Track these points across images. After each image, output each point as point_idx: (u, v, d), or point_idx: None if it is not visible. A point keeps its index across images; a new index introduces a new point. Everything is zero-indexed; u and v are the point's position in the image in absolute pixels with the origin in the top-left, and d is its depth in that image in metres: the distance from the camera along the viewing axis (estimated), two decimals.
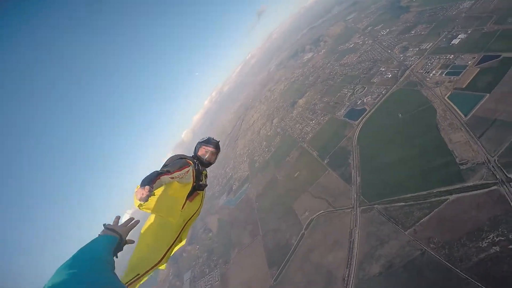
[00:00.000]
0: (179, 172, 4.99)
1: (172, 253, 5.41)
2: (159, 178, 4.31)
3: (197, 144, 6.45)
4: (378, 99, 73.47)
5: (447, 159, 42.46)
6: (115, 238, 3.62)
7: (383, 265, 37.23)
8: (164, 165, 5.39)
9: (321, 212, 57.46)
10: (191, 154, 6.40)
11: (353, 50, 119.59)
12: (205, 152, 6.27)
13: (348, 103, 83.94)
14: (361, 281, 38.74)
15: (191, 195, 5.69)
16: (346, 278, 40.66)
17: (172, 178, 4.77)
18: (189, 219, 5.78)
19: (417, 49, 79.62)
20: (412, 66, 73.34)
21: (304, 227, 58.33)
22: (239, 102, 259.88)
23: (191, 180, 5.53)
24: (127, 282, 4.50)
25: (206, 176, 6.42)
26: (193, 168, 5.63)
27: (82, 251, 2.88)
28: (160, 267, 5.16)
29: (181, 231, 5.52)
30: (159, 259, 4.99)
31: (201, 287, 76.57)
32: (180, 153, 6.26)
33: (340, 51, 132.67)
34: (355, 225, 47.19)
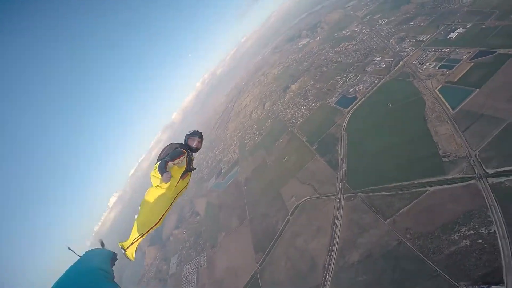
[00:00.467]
0: (178, 159, 7.58)
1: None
2: (167, 165, 7.05)
3: (185, 136, 8.67)
4: (370, 88, 74.19)
5: (431, 151, 43.99)
6: (110, 252, 4.12)
7: (362, 254, 39.40)
8: (164, 152, 8.00)
9: (307, 198, 59.33)
10: (180, 134, 10.57)
11: (350, 38, 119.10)
12: (195, 142, 8.57)
13: (340, 91, 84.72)
14: (341, 269, 40.97)
15: (183, 175, 7.85)
16: (326, 265, 42.83)
17: (173, 163, 7.39)
18: (179, 192, 7.95)
19: (414, 40, 79.83)
20: (407, 57, 73.79)
21: (290, 212, 60.29)
22: (232, 85, 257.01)
23: (185, 164, 7.89)
24: (134, 239, 6.91)
25: (192, 160, 8.65)
26: (187, 156, 8.05)
27: (82, 262, 3.30)
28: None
29: (174, 199, 7.68)
30: (157, 221, 7.10)
31: (187, 270, 78.74)
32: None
33: (336, 38, 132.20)
34: (339, 212, 49.08)
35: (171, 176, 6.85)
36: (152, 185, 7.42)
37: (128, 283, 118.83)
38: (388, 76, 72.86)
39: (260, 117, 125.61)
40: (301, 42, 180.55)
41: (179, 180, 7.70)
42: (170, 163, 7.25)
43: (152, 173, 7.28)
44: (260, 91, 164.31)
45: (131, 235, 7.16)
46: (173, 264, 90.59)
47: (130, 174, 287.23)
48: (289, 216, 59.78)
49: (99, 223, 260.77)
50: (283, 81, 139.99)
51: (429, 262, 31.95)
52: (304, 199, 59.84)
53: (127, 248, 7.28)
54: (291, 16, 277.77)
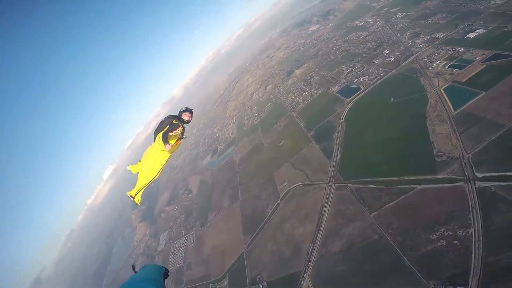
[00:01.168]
0: (175, 130, 10.56)
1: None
2: (168, 135, 10.20)
3: (179, 112, 11.25)
4: (374, 80, 74.01)
5: (425, 149, 44.83)
6: (163, 267, 5.10)
7: (344, 244, 41.29)
8: (164, 123, 10.73)
9: (299, 184, 60.95)
10: (177, 109, 11.47)
11: (362, 28, 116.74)
12: (187, 117, 11.14)
13: (344, 80, 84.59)
14: (322, 257, 43.06)
15: (177, 141, 10.91)
16: (309, 252, 44.89)
17: (171, 133, 10.41)
18: (172, 152, 10.70)
19: (429, 37, 78.53)
20: (418, 53, 72.94)
21: (281, 197, 62.07)
22: (235, 65, 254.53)
23: (179, 134, 10.87)
24: (139, 189, 10.20)
25: (184, 130, 11.42)
26: (182, 128, 10.94)
27: (141, 273, 4.40)
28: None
29: (168, 158, 10.51)
30: (156, 174, 10.26)
31: (175, 248, 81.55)
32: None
33: (348, 28, 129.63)
34: (327, 201, 50.64)
35: (170, 146, 10.05)
36: (152, 145, 10.64)
37: (117, 258, 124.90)
38: (395, 70, 72.46)
39: (261, 99, 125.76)
40: (311, 28, 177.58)
41: (173, 144, 10.69)
42: (170, 134, 10.39)
43: (157, 140, 10.32)
44: (263, 73, 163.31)
45: (136, 186, 10.51)
46: (162, 241, 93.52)
47: (126, 146, 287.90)
48: (279, 201, 61.61)
49: (92, 196, 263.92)
50: (288, 65, 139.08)
51: (405, 258, 33.71)
52: (296, 185, 61.46)
53: (135, 195, 10.64)
54: (302, 1, 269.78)
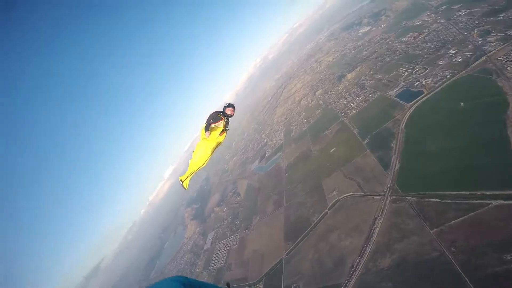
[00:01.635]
0: (218, 122, 12.04)
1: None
2: (211, 126, 11.73)
3: (224, 107, 12.79)
4: (440, 82, 65.69)
5: (504, 160, 37.76)
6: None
7: (395, 260, 36.79)
8: (210, 117, 12.14)
9: (350, 194, 56.91)
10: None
11: (420, 28, 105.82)
12: (230, 111, 12.66)
13: (403, 83, 77.00)
14: (367, 272, 38.99)
15: (221, 132, 12.25)
16: (354, 266, 41.04)
17: (215, 125, 11.94)
18: (218, 144, 12.34)
19: (503, 34, 67.04)
20: (491, 53, 62.73)
21: (329, 206, 58.74)
22: (282, 70, 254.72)
23: (222, 126, 12.21)
24: (189, 174, 11.92)
25: (228, 123, 12.79)
26: (224, 121, 12.26)
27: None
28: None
29: (215, 148, 12.20)
30: (204, 162, 11.97)
31: (220, 248, 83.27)
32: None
33: (404, 28, 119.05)
34: (381, 214, 46.07)
35: (210, 134, 11.66)
36: (201, 139, 12.14)
37: (167, 253, 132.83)
38: (464, 71, 63.33)
39: (310, 105, 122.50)
40: (361, 30, 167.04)
41: (218, 135, 12.13)
42: (212, 125, 11.83)
43: (201, 131, 11.83)
44: (311, 78, 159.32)
45: (187, 172, 12.17)
46: (209, 240, 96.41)
47: (185, 149, 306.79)
48: (327, 210, 58.34)
49: (154, 193, 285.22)
50: (338, 69, 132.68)
51: (466, 278, 28.29)
52: (346, 194, 57.44)
53: (184, 180, 12.28)
54: (349, 2, 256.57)
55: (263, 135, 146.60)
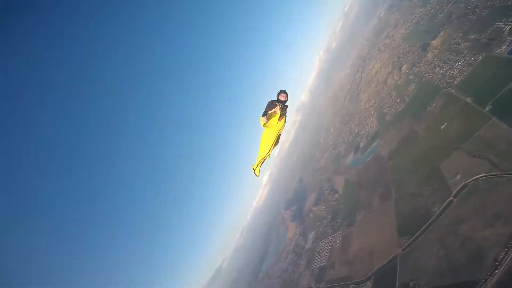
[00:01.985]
0: (274, 108, 12.54)
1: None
2: (268, 113, 12.48)
3: (277, 94, 13.28)
4: None
5: None
6: None
7: None
8: (266, 106, 12.65)
9: (481, 176, 44.28)
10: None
11: None
12: (282, 97, 13.18)
13: (510, 38, 57.60)
14: None
15: (279, 118, 12.81)
16: (499, 259, 30.62)
17: (271, 112, 12.48)
18: (279, 130, 13.06)
19: None
20: None
21: (454, 193, 47.19)
22: (353, 55, 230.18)
23: (279, 111, 12.67)
24: (258, 163, 13.55)
25: (284, 108, 13.25)
26: (279, 106, 12.68)
27: None
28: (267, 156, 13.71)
29: (277, 135, 13.11)
30: (269, 149, 13.18)
31: (321, 247, 79.60)
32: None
33: None
34: None
35: (267, 120, 12.35)
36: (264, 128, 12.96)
37: (271, 255, 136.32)
38: None
39: (398, 82, 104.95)
40: None
41: (277, 122, 12.77)
42: (269, 112, 12.39)
43: (260, 119, 12.37)
44: (389, 55, 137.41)
45: (256, 160, 13.36)
46: (310, 239, 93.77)
47: (275, 155, 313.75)
48: (452, 198, 46.95)
49: (256, 199, 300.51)
50: (417, 39, 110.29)
51: None
52: (476, 177, 44.90)
53: (255, 168, 13.40)
54: None
55: (352, 126, 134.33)
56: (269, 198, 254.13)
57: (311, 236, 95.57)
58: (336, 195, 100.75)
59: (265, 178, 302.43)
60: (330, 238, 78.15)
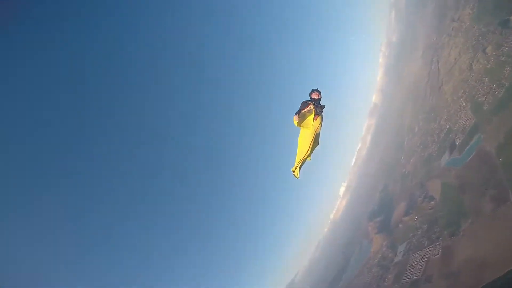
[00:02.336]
0: (307, 108, 12.56)
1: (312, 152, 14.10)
2: (300, 112, 12.31)
3: (309, 93, 13.40)
4: None
5: None
6: None
7: None
8: (300, 106, 12.67)
9: None
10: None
11: None
12: (315, 95, 13.26)
13: None
14: None
15: (315, 117, 12.76)
16: None
17: (304, 111, 12.42)
18: (316, 129, 12.98)
19: None
20: None
21: None
22: (419, 46, 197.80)
23: (313, 110, 12.64)
24: (297, 164, 13.83)
25: (322, 107, 13.54)
26: (313, 104, 12.74)
27: None
28: (308, 159, 13.92)
29: (314, 134, 12.99)
30: (307, 150, 12.95)
31: (415, 260, 70.16)
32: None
33: None
34: None
35: (299, 119, 12.08)
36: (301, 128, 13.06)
37: (352, 267, 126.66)
38: None
39: (488, 66, 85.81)
40: None
41: (312, 121, 12.56)
42: (302, 112, 12.31)
43: (293, 119, 12.12)
44: (464, 38, 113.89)
45: (296, 162, 13.48)
46: (400, 252, 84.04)
47: (352, 164, 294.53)
48: None
49: (333, 211, 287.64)
50: (491, 17, 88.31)
51: None
52: None
53: (295, 170, 13.39)
54: None
55: (441, 122, 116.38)
56: (348, 210, 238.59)
57: (401, 248, 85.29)
58: (432, 202, 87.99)
59: (342, 189, 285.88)
60: (427, 250, 68.04)
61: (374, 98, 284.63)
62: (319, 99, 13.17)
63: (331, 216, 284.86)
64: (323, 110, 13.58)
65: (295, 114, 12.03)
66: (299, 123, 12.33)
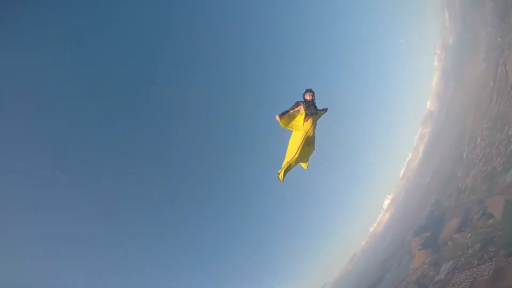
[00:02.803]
0: (297, 108, 12.51)
1: (309, 156, 13.79)
2: (288, 112, 12.32)
3: (302, 94, 13.21)
4: None
5: None
6: None
7: None
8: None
9: None
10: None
11: None
12: (307, 96, 13.03)
13: None
14: None
15: (305, 118, 12.44)
16: None
17: (293, 111, 12.43)
18: (307, 132, 12.40)
19: None
20: None
21: None
22: (481, 47, 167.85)
23: (303, 111, 12.48)
24: (284, 167, 12.85)
25: (310, 107, 13.07)
26: (304, 105, 12.55)
27: None
28: (304, 166, 14.21)
29: (304, 137, 12.34)
30: (295, 153, 12.35)
31: (459, 279, 61.78)
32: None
33: None
34: None
35: (281, 118, 12.03)
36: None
37: (388, 282, 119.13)
38: None
39: None
40: None
41: (303, 122, 12.33)
42: (290, 111, 12.32)
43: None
44: None
45: (282, 164, 12.79)
46: (443, 270, 74.90)
47: (400, 176, 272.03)
48: None
49: (375, 224, 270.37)
50: None
51: None
52: None
53: (280, 173, 12.85)
54: None
55: (509, 132, 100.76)
56: (391, 224, 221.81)
57: (446, 267, 75.84)
58: (491, 220, 76.55)
59: (386, 202, 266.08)
60: (475, 270, 59.21)
61: (429, 104, 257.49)
62: (313, 100, 12.66)
63: (371, 229, 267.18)
64: (324, 113, 13.26)
65: (280, 114, 11.87)
66: (286, 124, 12.08)
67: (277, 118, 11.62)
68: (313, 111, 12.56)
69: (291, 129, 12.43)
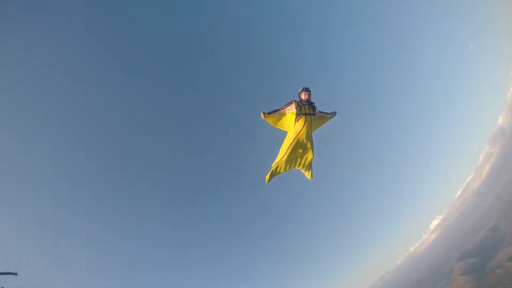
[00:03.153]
0: (288, 106, 11.39)
1: (307, 163, 12.54)
2: (279, 111, 11.36)
3: (298, 93, 11.93)
4: None
5: None
6: None
7: None
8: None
9: None
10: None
11: None
12: (303, 95, 11.63)
13: None
14: None
15: (296, 118, 11.33)
16: None
17: (284, 110, 11.41)
18: (299, 133, 11.41)
19: None
20: None
21: None
22: None
23: (294, 110, 11.32)
24: (271, 168, 11.93)
25: (303, 107, 11.67)
26: (296, 104, 11.32)
27: None
28: (307, 176, 13.05)
29: (294, 138, 11.42)
30: (283, 155, 11.64)
31: None
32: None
33: None
34: None
35: (266, 116, 11.29)
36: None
37: None
38: None
39: None
40: None
41: (294, 123, 11.24)
42: (281, 110, 11.39)
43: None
44: None
45: (271, 165, 12.33)
46: None
47: (456, 196, 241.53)
48: None
49: (416, 244, 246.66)
50: None
51: None
52: None
53: (267, 174, 12.40)
54: None
55: None
56: (435, 245, 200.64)
57: None
58: None
59: (435, 222, 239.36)
60: None
61: (501, 120, 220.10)
62: (308, 99, 11.64)
63: (411, 249, 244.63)
64: (332, 118, 12.43)
65: (268, 112, 11.37)
66: (275, 123, 11.54)
67: (262, 115, 11.19)
68: (307, 111, 11.41)
69: (283, 129, 11.76)
